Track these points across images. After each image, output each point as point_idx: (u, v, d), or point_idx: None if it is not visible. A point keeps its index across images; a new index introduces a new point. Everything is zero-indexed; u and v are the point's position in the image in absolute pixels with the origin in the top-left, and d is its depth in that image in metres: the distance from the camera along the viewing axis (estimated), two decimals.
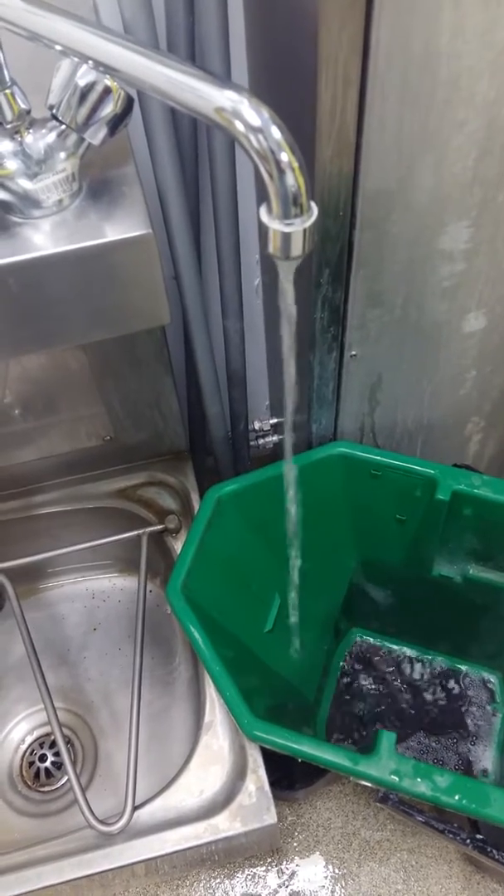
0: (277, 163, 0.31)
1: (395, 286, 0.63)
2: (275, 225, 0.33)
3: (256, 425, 1.06)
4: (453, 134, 0.52)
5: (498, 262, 0.63)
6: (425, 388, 0.77)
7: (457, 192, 0.56)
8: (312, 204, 0.33)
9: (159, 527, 0.86)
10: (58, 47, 0.37)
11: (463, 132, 0.52)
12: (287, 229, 0.33)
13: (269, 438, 1.08)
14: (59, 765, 0.90)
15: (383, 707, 0.97)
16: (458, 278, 0.64)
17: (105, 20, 0.62)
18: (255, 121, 0.31)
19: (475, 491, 0.73)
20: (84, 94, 0.42)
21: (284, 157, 0.31)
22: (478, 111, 0.50)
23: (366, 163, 0.52)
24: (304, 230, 0.33)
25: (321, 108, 0.48)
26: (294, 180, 0.31)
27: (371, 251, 0.59)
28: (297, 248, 0.33)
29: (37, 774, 0.90)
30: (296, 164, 0.31)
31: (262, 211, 0.33)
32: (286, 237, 0.33)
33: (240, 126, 0.31)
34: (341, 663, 1.00)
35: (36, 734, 0.92)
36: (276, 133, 0.31)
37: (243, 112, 0.31)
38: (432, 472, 0.74)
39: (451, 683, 0.98)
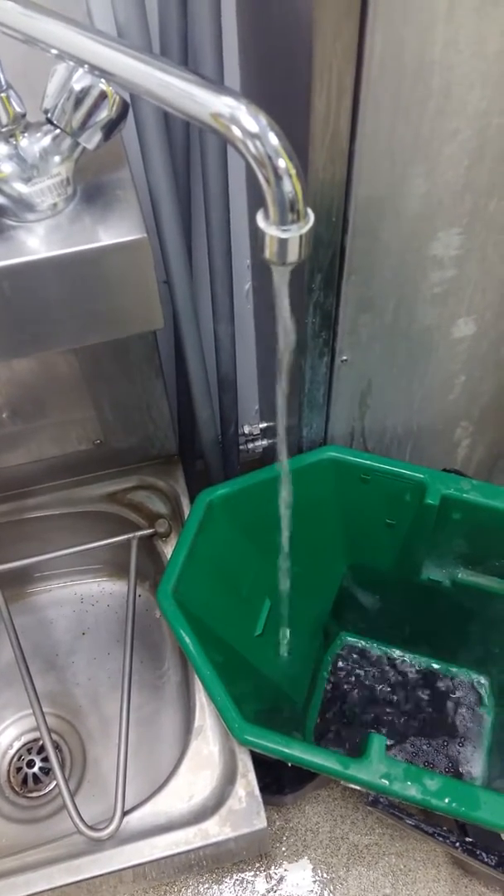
0: (275, 169, 0.31)
1: (387, 292, 0.64)
2: (271, 231, 0.33)
3: (246, 429, 1.06)
4: (445, 142, 0.52)
5: (488, 269, 0.64)
6: (415, 393, 0.77)
7: (448, 199, 0.56)
8: (309, 210, 0.33)
9: (149, 531, 0.86)
10: (54, 51, 0.37)
11: (455, 141, 0.52)
12: (284, 235, 0.33)
13: (258, 443, 1.08)
14: (47, 770, 0.89)
15: (372, 710, 0.98)
16: (449, 285, 0.64)
17: (98, 25, 0.62)
18: (252, 127, 0.31)
19: (464, 495, 0.74)
20: (80, 98, 0.42)
21: (282, 163, 0.31)
22: (469, 120, 0.51)
23: (358, 170, 0.53)
24: (301, 236, 0.33)
25: (314, 115, 0.49)
26: (291, 186, 0.32)
27: (363, 257, 0.60)
28: (293, 254, 0.34)
29: (25, 780, 0.89)
30: (293, 171, 0.31)
31: (259, 217, 0.33)
32: (283, 243, 0.33)
33: (237, 132, 0.31)
34: (330, 667, 1.01)
35: (24, 739, 0.91)
36: (273, 139, 0.31)
37: (241, 118, 0.31)
38: (422, 476, 0.75)
39: (441, 687, 0.99)
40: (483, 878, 0.92)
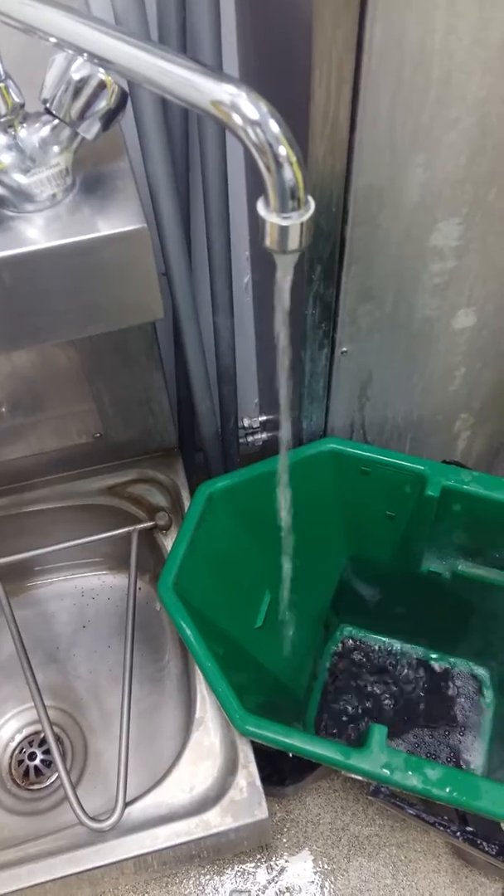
0: (275, 156, 0.31)
1: (386, 283, 0.64)
2: (272, 218, 0.33)
3: (246, 422, 1.06)
4: (445, 132, 0.52)
5: (488, 260, 0.64)
6: (415, 385, 0.77)
7: (448, 189, 0.56)
8: (309, 198, 0.33)
9: (149, 524, 0.86)
10: (52, 40, 0.36)
11: (455, 130, 0.52)
12: (284, 223, 0.33)
13: (258, 435, 1.08)
14: (48, 762, 0.90)
15: (372, 702, 0.98)
16: (449, 275, 0.64)
17: (96, 13, 0.62)
18: (253, 114, 0.31)
19: (464, 487, 0.74)
20: (78, 88, 0.42)
21: (282, 150, 0.31)
22: (470, 109, 0.51)
23: (358, 160, 0.52)
24: (302, 224, 0.33)
25: (314, 104, 0.49)
26: (292, 174, 0.31)
27: (363, 248, 0.60)
28: (294, 242, 0.34)
29: (26, 772, 0.89)
30: (293, 158, 0.31)
31: (260, 204, 0.33)
32: (283, 230, 0.33)
33: (238, 119, 0.31)
34: (331, 659, 1.01)
35: (25, 732, 0.92)
36: (274, 126, 0.31)
37: (241, 105, 0.31)
38: (422, 468, 0.75)
39: (441, 678, 0.99)
40: (483, 867, 0.93)
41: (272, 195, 0.32)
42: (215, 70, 0.32)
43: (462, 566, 0.84)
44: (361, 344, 0.69)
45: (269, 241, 0.34)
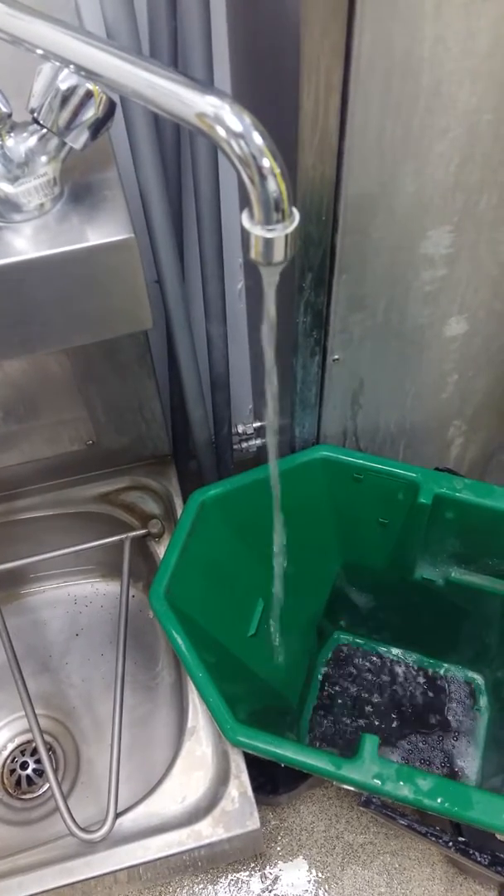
0: (259, 169, 0.31)
1: (378, 291, 0.64)
2: (256, 231, 0.33)
3: (239, 429, 1.06)
4: (435, 140, 0.52)
5: (479, 267, 0.64)
6: (407, 392, 0.77)
7: (438, 197, 0.56)
8: (294, 210, 0.33)
9: (142, 531, 0.85)
10: (39, 51, 0.36)
11: (445, 138, 0.52)
12: (269, 235, 0.33)
13: (252, 442, 1.08)
14: (40, 772, 0.89)
15: (367, 709, 0.98)
16: (440, 283, 0.64)
17: (88, 24, 0.62)
18: (236, 126, 0.31)
19: (457, 494, 0.73)
20: (65, 97, 0.41)
21: (266, 162, 0.31)
22: (459, 118, 0.51)
23: (348, 168, 0.52)
24: (286, 236, 0.33)
25: (303, 113, 0.49)
26: (276, 186, 0.31)
27: (353, 256, 0.60)
28: (278, 254, 0.33)
29: (18, 782, 0.89)
30: (277, 170, 0.31)
31: (245, 217, 0.33)
32: (268, 243, 0.33)
33: (221, 132, 0.31)
34: (324, 666, 1.01)
35: (17, 741, 0.91)
36: (257, 139, 0.31)
37: (225, 118, 0.31)
38: (414, 475, 0.75)
39: (434, 685, 0.99)
40: (477, 876, 0.92)
41: (256, 207, 0.32)
42: (201, 82, 0.32)
43: (455, 573, 0.83)
44: (353, 352, 0.69)
45: (255, 253, 0.34)
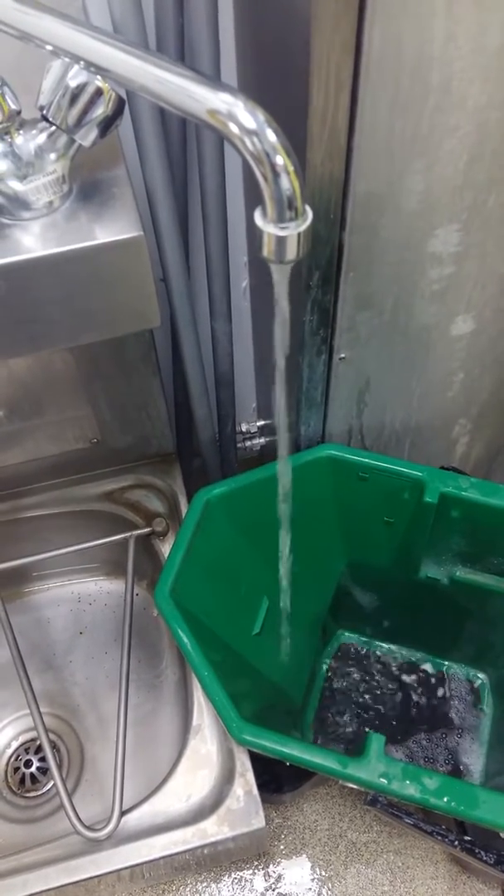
0: (272, 166, 0.31)
1: (385, 289, 0.63)
2: (269, 228, 0.32)
3: (244, 427, 1.06)
4: (444, 138, 0.52)
5: (487, 266, 0.64)
6: (413, 391, 0.77)
7: (447, 195, 0.56)
8: (307, 208, 0.33)
9: (146, 530, 0.85)
10: (49, 47, 0.36)
11: (454, 136, 0.52)
12: (282, 233, 0.32)
13: (256, 440, 1.08)
14: (44, 770, 0.89)
15: (370, 708, 0.97)
16: (448, 281, 0.64)
17: (94, 20, 0.62)
18: (250, 123, 0.30)
19: (463, 493, 0.73)
20: (75, 95, 0.41)
21: (280, 160, 0.31)
22: (469, 116, 0.51)
23: (357, 166, 0.52)
24: (299, 234, 0.33)
25: (312, 110, 0.48)
26: (289, 184, 0.31)
27: (361, 254, 0.59)
28: (291, 252, 0.33)
29: (22, 780, 0.89)
30: (291, 168, 0.31)
31: (257, 214, 0.33)
32: (280, 241, 0.33)
33: (234, 129, 0.31)
34: (328, 665, 1.00)
35: (21, 739, 0.91)
36: (271, 136, 0.30)
37: (238, 115, 0.30)
38: (420, 474, 0.74)
39: (438, 684, 0.98)
40: (481, 875, 0.92)
41: (269, 205, 0.32)
42: (212, 78, 0.32)
43: (460, 572, 0.83)
44: (360, 350, 0.69)
45: (267, 251, 0.33)
